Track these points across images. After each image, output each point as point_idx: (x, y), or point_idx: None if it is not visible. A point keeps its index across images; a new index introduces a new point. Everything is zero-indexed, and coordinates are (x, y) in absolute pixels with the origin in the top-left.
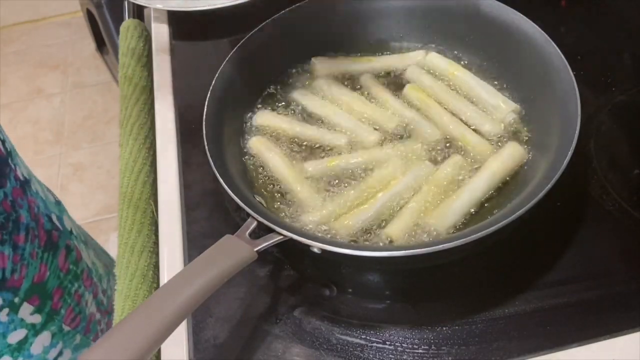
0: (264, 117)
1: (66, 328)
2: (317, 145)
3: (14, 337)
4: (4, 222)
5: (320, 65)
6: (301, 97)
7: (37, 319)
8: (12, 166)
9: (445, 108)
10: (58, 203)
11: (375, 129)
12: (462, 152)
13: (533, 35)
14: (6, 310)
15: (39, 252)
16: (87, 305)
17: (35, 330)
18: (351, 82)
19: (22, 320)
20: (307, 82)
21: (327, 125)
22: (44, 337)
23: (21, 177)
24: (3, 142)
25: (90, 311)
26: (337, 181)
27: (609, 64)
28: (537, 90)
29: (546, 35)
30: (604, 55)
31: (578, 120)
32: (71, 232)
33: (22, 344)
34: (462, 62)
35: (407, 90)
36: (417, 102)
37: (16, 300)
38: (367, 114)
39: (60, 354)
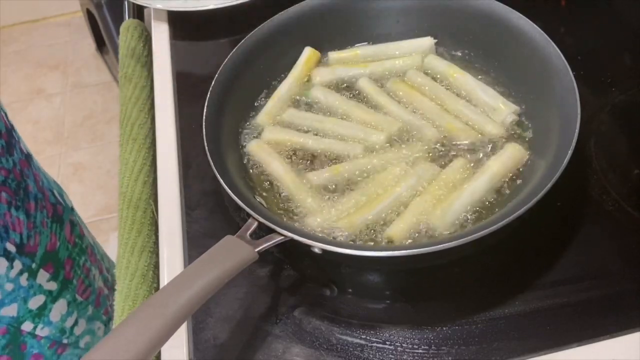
0: (273, 133)
1: (79, 298)
2: (321, 152)
3: (34, 303)
4: (16, 189)
5: (317, 73)
6: (295, 118)
7: (53, 286)
8: (17, 138)
9: (445, 109)
10: (56, 183)
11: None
12: (467, 154)
13: (533, 35)
14: (25, 274)
15: (48, 222)
16: (95, 279)
17: (52, 297)
18: (349, 87)
19: (40, 286)
20: (302, 92)
21: (329, 136)
22: (61, 305)
23: (24, 151)
24: (6, 114)
25: (98, 285)
26: (339, 185)
27: (609, 64)
28: (537, 91)
29: (546, 35)
30: (604, 55)
31: (578, 120)
32: (72, 209)
33: (42, 310)
34: (461, 63)
35: (390, 84)
36: (400, 95)
37: (33, 266)
38: (367, 121)
39: (75, 323)
